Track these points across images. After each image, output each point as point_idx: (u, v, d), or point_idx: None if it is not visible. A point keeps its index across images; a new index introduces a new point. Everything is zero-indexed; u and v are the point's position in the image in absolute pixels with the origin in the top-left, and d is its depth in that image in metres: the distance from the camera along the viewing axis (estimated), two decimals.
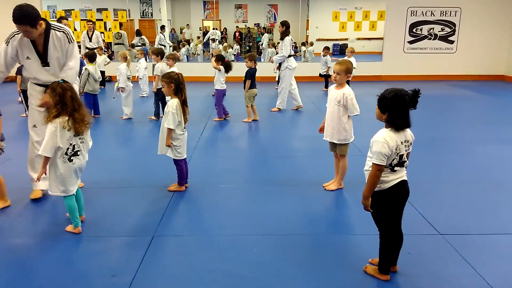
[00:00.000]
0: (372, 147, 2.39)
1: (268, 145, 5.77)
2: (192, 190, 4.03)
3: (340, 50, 18.74)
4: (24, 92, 6.42)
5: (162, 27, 14.67)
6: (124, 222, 3.36)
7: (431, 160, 4.93)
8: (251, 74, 6.85)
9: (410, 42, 12.26)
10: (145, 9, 18.79)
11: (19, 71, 6.26)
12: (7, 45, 3.59)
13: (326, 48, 10.71)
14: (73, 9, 13.44)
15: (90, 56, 7.49)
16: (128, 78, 7.24)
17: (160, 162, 4.28)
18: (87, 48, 10.92)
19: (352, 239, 3.11)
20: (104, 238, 3.11)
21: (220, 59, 7.10)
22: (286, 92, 7.93)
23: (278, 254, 2.88)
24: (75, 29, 13.30)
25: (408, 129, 2.41)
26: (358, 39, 18.02)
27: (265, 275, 2.64)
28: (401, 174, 2.44)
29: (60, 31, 3.60)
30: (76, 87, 3.60)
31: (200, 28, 19.02)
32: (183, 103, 3.84)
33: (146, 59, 9.91)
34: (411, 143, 2.43)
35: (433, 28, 12.19)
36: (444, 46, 12.30)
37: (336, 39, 18.22)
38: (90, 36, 11.13)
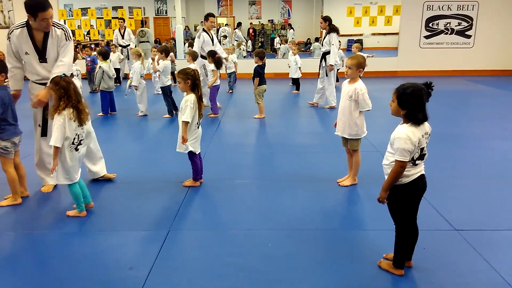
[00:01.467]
0: (393, 144, 2.38)
1: (281, 140, 5.77)
2: (206, 185, 4.08)
3: None
4: None
5: (239, 24, 14.49)
6: (141, 216, 3.42)
7: (447, 156, 4.88)
8: (259, 71, 6.84)
9: (426, 37, 12.07)
10: (159, 7, 18.92)
11: None
12: (9, 41, 3.62)
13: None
14: (89, 7, 13.61)
15: (104, 54, 7.46)
16: (141, 76, 7.28)
17: (175, 158, 4.33)
18: (120, 45, 11.05)
19: (366, 235, 3.11)
20: (121, 232, 3.17)
21: (211, 54, 7.13)
22: (332, 88, 7.82)
23: (292, 249, 2.91)
24: (92, 26, 13.47)
25: (426, 122, 2.41)
26: (373, 34, 17.85)
27: (279, 269, 2.67)
28: (421, 168, 2.45)
29: (59, 28, 3.62)
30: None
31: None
32: (199, 99, 3.87)
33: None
34: (429, 134, 2.43)
35: (450, 23, 11.98)
36: (461, 40, 12.08)
37: (351, 35, 18.05)
38: (122, 33, 11.26)
